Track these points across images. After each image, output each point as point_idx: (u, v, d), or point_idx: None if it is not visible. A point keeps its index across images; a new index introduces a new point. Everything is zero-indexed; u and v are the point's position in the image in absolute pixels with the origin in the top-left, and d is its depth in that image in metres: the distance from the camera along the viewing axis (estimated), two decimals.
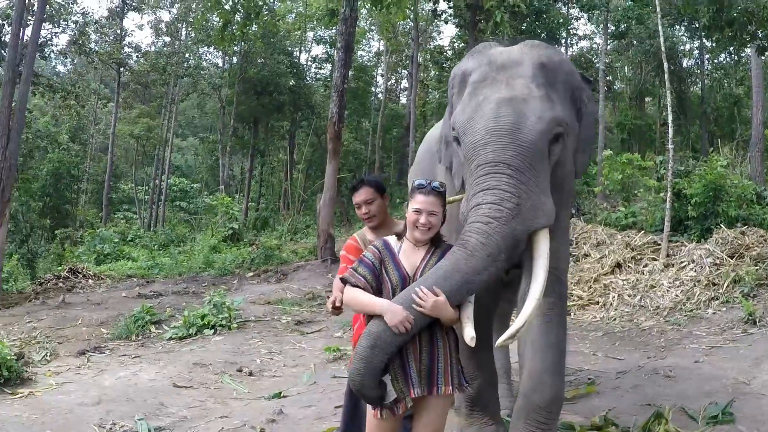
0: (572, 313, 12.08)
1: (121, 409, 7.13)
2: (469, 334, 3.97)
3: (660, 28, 15.93)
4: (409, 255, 4.30)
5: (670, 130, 14.75)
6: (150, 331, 11.81)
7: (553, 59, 4.89)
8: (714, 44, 25.69)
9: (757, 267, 11.80)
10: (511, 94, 4.54)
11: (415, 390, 4.03)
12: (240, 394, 8.12)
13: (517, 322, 4.16)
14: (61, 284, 17.89)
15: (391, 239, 4.43)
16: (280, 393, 7.92)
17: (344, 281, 4.36)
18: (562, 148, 4.64)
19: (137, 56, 36.33)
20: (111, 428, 6.56)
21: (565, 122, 4.62)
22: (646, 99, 43.79)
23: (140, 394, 7.78)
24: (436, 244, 4.34)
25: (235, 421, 6.69)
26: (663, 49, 15.67)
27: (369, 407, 4.15)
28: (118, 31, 34.50)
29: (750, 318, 9.96)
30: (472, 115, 4.58)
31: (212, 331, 11.54)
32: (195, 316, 11.78)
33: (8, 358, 8.16)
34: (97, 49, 32.91)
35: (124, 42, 34.37)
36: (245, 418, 6.74)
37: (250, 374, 9.10)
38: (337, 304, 4.71)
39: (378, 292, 4.23)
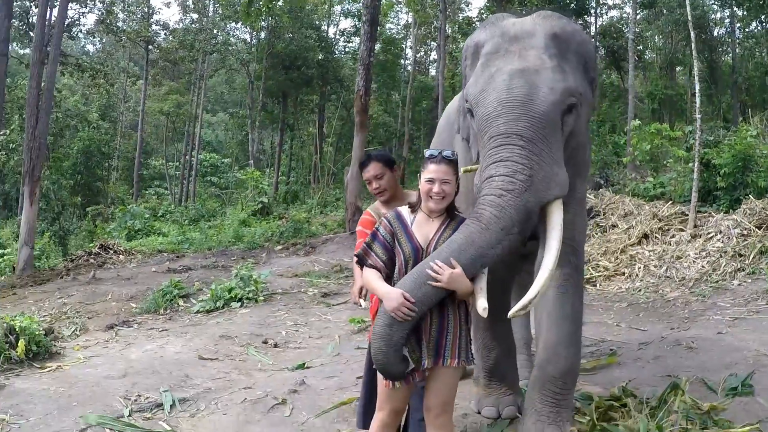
0: (598, 284, 12.08)
1: (147, 381, 7.19)
2: (481, 305, 3.97)
3: None
4: (422, 226, 4.29)
5: (698, 100, 14.66)
6: (178, 304, 11.94)
7: (566, 29, 4.87)
8: (745, 12, 25.45)
9: None
10: (523, 66, 4.53)
11: (424, 362, 4.07)
12: (264, 366, 8.17)
13: (529, 294, 4.17)
14: (92, 260, 18.10)
15: (404, 210, 4.41)
16: (304, 364, 7.96)
17: (359, 259, 4.39)
18: (575, 119, 4.63)
19: (165, 34, 36.54)
20: (136, 400, 6.62)
21: (578, 92, 4.61)
22: (677, 68, 43.42)
23: (166, 366, 7.85)
24: (450, 216, 4.32)
25: (258, 392, 6.74)
26: (690, 18, 15.54)
27: (380, 376, 4.19)
28: (146, 9, 34.64)
29: None
30: (485, 86, 4.57)
31: (239, 304, 11.63)
32: (222, 290, 11.87)
33: (37, 333, 8.25)
34: (124, 27, 33.14)
35: (151, 20, 34.57)
36: (268, 389, 6.79)
37: (275, 346, 9.15)
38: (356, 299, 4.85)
39: (392, 265, 4.26)
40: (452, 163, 4.22)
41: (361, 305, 4.96)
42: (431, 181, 4.18)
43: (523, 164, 4.22)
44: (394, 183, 5.29)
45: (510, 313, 4.20)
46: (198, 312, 11.32)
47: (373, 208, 5.37)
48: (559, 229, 4.35)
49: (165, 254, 18.80)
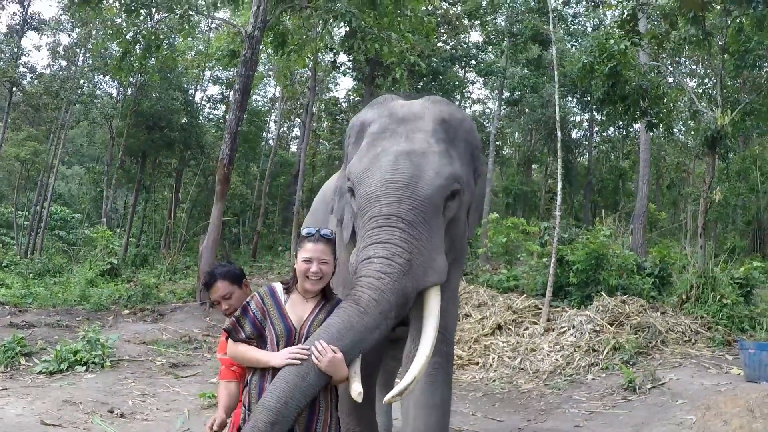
0: (452, 373, 12.12)
1: None
2: (356, 389, 3.92)
3: (557, 98, 16.33)
4: (296, 306, 4.21)
5: (559, 198, 15.09)
6: (19, 362, 11.40)
7: (455, 116, 4.94)
8: (604, 117, 26.42)
9: (637, 335, 12.10)
10: (410, 148, 4.55)
11: None
12: None
13: (404, 380, 4.13)
14: None
15: (278, 287, 4.33)
16: None
17: (228, 334, 4.27)
18: (458, 206, 4.65)
19: (31, 77, 35.52)
20: None
21: (462, 179, 4.65)
22: (533, 166, 44.76)
23: (6, 429, 7.50)
24: (325, 297, 4.27)
25: None
26: (558, 118, 16.07)
27: None
28: (15, 50, 33.69)
29: (630, 385, 10.14)
30: (369, 165, 4.55)
31: (84, 368, 11.17)
32: (67, 351, 11.39)
33: None
34: None
35: (19, 61, 33.56)
36: None
37: (122, 416, 8.84)
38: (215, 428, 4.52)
39: (262, 343, 4.17)
40: (330, 242, 4.19)
41: None
42: (308, 260, 4.12)
43: (402, 248, 4.20)
44: (245, 299, 4.79)
45: (385, 399, 4.14)
46: (41, 373, 10.80)
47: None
48: (436, 317, 4.33)
49: (7, 307, 18.06)
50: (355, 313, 4.02)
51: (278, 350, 4.06)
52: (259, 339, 4.18)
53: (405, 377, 4.16)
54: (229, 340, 4.30)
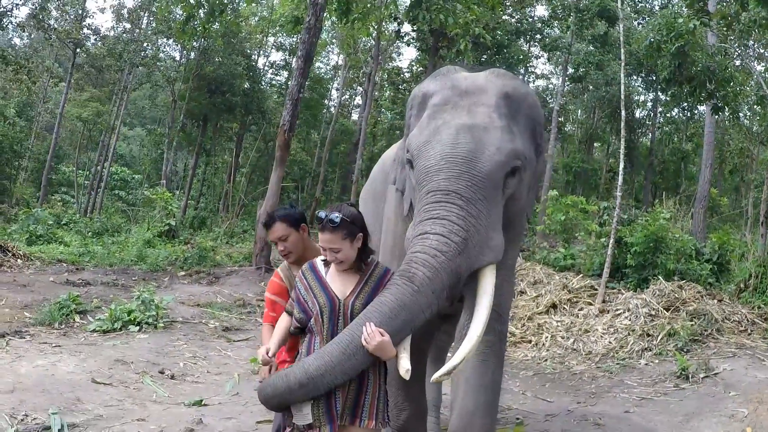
0: (504, 350, 12.06)
1: (36, 400, 6.90)
2: (404, 366, 3.89)
3: (622, 76, 16.06)
4: (336, 278, 4.21)
5: (620, 178, 14.83)
6: (74, 320, 11.48)
7: (519, 90, 4.80)
8: (669, 98, 26.10)
9: (693, 322, 11.83)
10: (471, 122, 4.44)
11: (338, 420, 3.95)
12: (159, 398, 7.92)
13: (453, 359, 4.06)
14: None
15: (318, 262, 4.33)
16: (201, 401, 7.75)
17: (289, 314, 4.35)
18: (518, 183, 4.54)
19: (95, 39, 35.79)
20: (23, 419, 6.34)
21: (524, 156, 4.52)
22: (595, 144, 44.35)
23: (57, 386, 7.54)
24: (368, 268, 4.26)
25: (151, 426, 6.51)
26: (622, 97, 15.77)
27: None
28: (80, 11, 33.92)
29: (683, 373, 9.91)
30: (429, 138, 4.45)
31: (137, 327, 11.24)
32: (122, 311, 11.47)
33: None
34: (55, 26, 32.42)
35: (84, 23, 33.78)
36: (163, 424, 6.56)
37: (172, 377, 8.89)
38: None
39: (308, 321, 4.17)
40: (338, 228, 4.08)
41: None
42: (323, 248, 4.13)
43: (459, 225, 4.11)
44: (301, 244, 5.04)
45: (432, 378, 4.09)
46: (94, 331, 10.88)
47: (283, 269, 5.14)
48: (490, 296, 4.24)
49: (65, 264, 18.29)
50: (409, 291, 3.96)
51: (323, 322, 4.08)
52: (306, 321, 4.19)
53: (454, 356, 4.09)
54: (284, 313, 4.39)
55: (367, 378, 4.04)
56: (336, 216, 4.07)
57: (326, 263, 4.27)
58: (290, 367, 3.93)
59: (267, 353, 4.25)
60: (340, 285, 4.17)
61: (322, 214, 4.11)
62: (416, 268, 4.03)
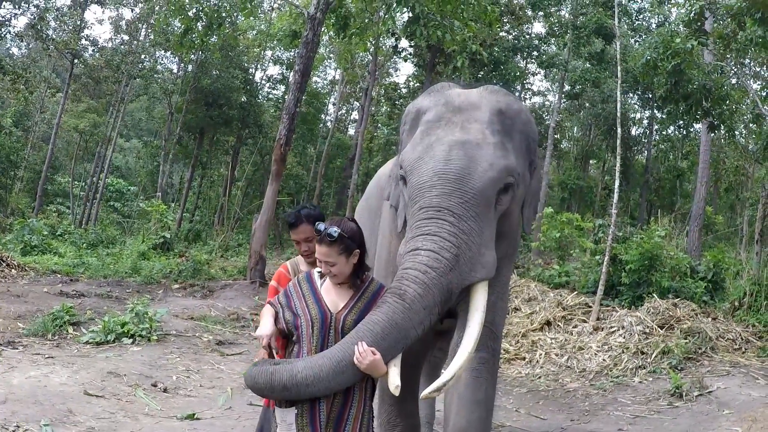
0: (498, 367, 12.07)
1: (27, 411, 6.89)
2: (394, 382, 3.89)
3: (618, 94, 16.14)
4: (331, 291, 4.20)
5: (615, 195, 14.92)
6: (67, 331, 11.50)
7: (512, 107, 4.84)
8: (665, 116, 26.16)
9: (687, 340, 11.87)
10: (465, 138, 4.47)
11: (321, 431, 3.95)
12: (152, 411, 7.93)
13: (444, 375, 4.07)
14: None
15: (315, 273, 4.32)
16: (194, 414, 7.75)
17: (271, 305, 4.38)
18: (511, 199, 4.57)
19: (93, 50, 35.78)
20: (14, 431, 6.32)
21: (516, 172, 4.55)
22: (591, 161, 44.43)
23: (49, 397, 7.53)
24: (363, 284, 4.24)
25: None
26: (618, 114, 15.89)
27: None
28: (78, 22, 33.88)
29: (677, 391, 9.95)
30: (422, 155, 4.49)
31: (131, 340, 11.26)
32: (115, 323, 11.48)
33: None
34: (54, 36, 32.42)
35: (82, 33, 33.78)
36: None
37: (165, 390, 8.91)
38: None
39: (295, 328, 4.15)
40: (335, 242, 4.06)
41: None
42: (319, 260, 4.13)
43: (450, 242, 4.15)
44: None
45: (423, 394, 4.09)
46: (87, 342, 10.90)
47: (292, 263, 5.20)
48: (482, 312, 4.27)
49: (59, 275, 18.29)
50: (400, 309, 3.98)
51: (312, 333, 4.06)
52: (294, 329, 4.17)
53: (445, 373, 4.11)
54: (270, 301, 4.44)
55: (353, 393, 4.03)
56: (334, 230, 4.05)
57: (322, 275, 4.26)
58: (279, 365, 3.91)
59: (263, 340, 4.26)
60: (334, 298, 4.16)
61: (321, 226, 4.10)
62: (407, 284, 4.05)
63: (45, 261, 20.59)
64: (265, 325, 4.29)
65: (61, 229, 28.87)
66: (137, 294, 15.76)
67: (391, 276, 4.66)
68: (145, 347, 11.12)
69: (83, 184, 41.46)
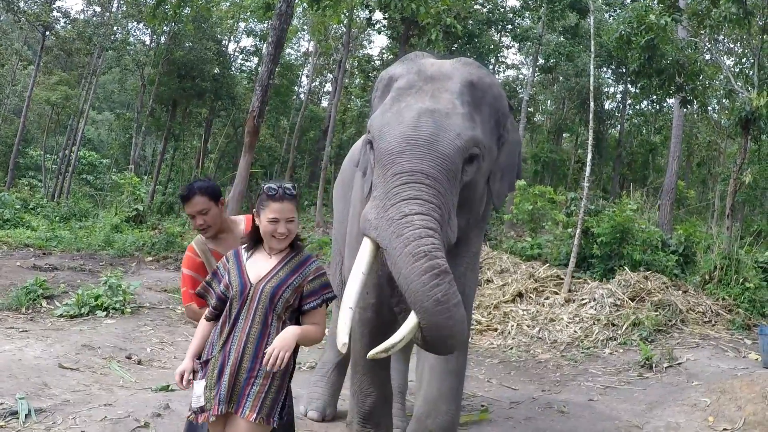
0: (470, 338, 12.14)
1: (2, 384, 6.87)
2: (342, 340, 3.90)
3: (592, 68, 16.19)
4: (257, 263, 4.16)
5: (588, 169, 15.02)
6: (41, 305, 11.52)
7: (484, 80, 4.83)
8: (638, 90, 26.20)
9: (657, 312, 12.05)
10: (434, 106, 4.45)
11: (219, 406, 3.90)
12: (126, 383, 7.93)
13: (393, 337, 4.00)
14: None
15: (242, 249, 4.27)
16: (168, 386, 7.74)
17: (200, 296, 4.37)
18: (476, 170, 4.56)
19: (65, 22, 35.43)
20: None
21: (483, 144, 4.55)
22: (564, 134, 44.55)
23: (24, 371, 7.51)
24: (292, 251, 4.20)
25: (119, 411, 6.48)
26: (591, 88, 15.94)
27: None
28: None
29: (647, 362, 10.11)
30: (391, 120, 4.47)
31: (105, 313, 11.28)
32: (89, 296, 11.50)
33: None
34: (25, 8, 32.08)
35: (53, 5, 33.44)
36: (130, 409, 6.54)
37: (139, 362, 8.93)
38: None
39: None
40: (294, 198, 4.08)
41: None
42: (275, 220, 4.04)
43: (434, 203, 4.14)
44: (220, 218, 4.98)
45: (369, 354, 4.05)
46: (61, 316, 10.92)
47: (198, 243, 5.09)
48: None
49: (32, 249, 18.22)
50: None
51: (232, 306, 4.05)
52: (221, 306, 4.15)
53: (395, 334, 4.02)
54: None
55: (257, 369, 3.94)
56: (291, 186, 4.10)
57: (248, 249, 4.24)
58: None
59: (182, 380, 4.18)
60: (257, 269, 4.12)
61: (273, 185, 4.08)
62: (435, 254, 4.01)
63: (17, 235, 20.47)
64: (186, 361, 4.24)
65: (33, 202, 28.70)
66: (110, 267, 15.75)
67: (357, 238, 4.68)
68: (119, 320, 11.14)
69: (55, 157, 41.11)
